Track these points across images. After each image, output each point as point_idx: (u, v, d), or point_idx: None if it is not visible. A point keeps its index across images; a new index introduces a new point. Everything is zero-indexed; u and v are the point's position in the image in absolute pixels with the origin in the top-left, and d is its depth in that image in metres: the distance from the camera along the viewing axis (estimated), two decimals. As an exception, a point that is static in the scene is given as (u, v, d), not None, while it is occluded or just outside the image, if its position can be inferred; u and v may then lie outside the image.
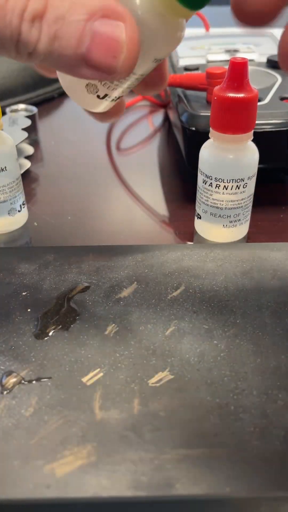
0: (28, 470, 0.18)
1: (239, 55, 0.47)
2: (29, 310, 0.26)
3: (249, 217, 0.33)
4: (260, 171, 0.32)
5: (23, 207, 0.36)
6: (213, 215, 0.32)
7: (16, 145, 0.34)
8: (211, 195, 0.31)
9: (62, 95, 0.62)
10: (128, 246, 0.31)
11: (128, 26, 0.18)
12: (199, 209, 0.33)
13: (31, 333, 0.24)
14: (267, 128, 0.35)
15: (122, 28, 0.18)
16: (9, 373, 0.22)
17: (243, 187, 0.30)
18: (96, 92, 0.22)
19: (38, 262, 0.29)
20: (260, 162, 0.31)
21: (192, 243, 0.35)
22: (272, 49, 0.49)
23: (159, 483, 0.18)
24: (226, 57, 0.47)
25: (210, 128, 0.30)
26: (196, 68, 0.44)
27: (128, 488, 0.18)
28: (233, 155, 0.30)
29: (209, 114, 0.30)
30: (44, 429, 0.20)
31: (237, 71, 0.27)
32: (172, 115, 0.44)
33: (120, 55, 0.18)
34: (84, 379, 0.22)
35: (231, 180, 0.30)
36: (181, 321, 0.25)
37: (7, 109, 0.52)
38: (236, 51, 0.48)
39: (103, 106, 0.24)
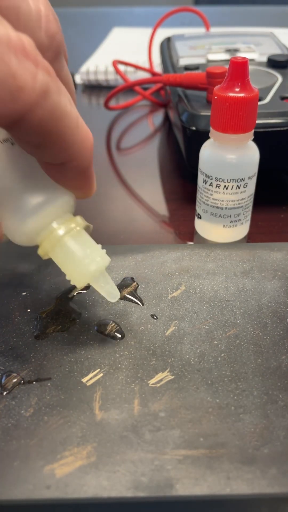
0: (28, 471, 0.18)
1: (240, 54, 0.47)
2: (28, 310, 0.26)
3: (249, 217, 0.33)
4: (260, 171, 0.32)
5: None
6: (214, 215, 0.32)
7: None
8: (211, 195, 0.31)
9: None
10: (128, 246, 0.31)
11: None
12: (199, 209, 0.33)
13: (30, 333, 0.24)
14: (268, 127, 0.35)
15: None
16: (9, 374, 0.22)
17: (244, 187, 0.30)
18: None
19: (38, 262, 0.29)
20: (261, 161, 0.31)
21: (192, 243, 0.35)
22: (272, 49, 0.49)
23: (159, 483, 0.18)
24: (227, 56, 0.47)
25: (211, 128, 0.30)
26: (196, 67, 0.44)
27: (128, 488, 0.18)
28: (233, 154, 0.30)
29: (209, 113, 0.30)
30: (44, 430, 0.20)
31: (238, 70, 0.27)
32: (172, 115, 0.44)
33: None
34: (84, 380, 0.22)
35: (232, 180, 0.30)
36: (181, 321, 0.25)
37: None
38: (236, 50, 0.48)
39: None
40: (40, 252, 0.22)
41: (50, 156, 0.18)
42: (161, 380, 0.22)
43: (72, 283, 0.22)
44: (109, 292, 0.23)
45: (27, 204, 0.21)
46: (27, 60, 0.15)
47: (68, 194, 0.22)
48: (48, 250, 0.22)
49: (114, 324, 0.25)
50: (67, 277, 0.22)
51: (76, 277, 0.22)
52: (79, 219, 0.22)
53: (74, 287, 0.27)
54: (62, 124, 0.17)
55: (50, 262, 0.29)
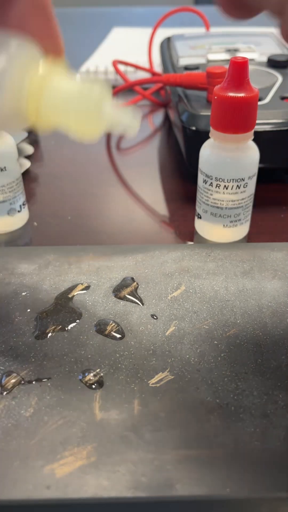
0: (28, 471, 0.18)
1: (240, 54, 0.47)
2: (28, 310, 0.26)
3: (249, 217, 0.33)
4: (260, 170, 0.32)
5: (23, 207, 0.36)
6: (214, 215, 0.32)
7: (16, 145, 0.34)
8: (211, 195, 0.31)
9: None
10: (128, 246, 0.31)
11: None
12: (199, 209, 0.33)
13: (30, 333, 0.24)
14: (268, 127, 0.35)
15: None
16: (9, 374, 0.22)
17: (244, 187, 0.30)
18: None
19: (38, 262, 0.29)
20: (261, 161, 0.31)
21: (192, 243, 0.35)
22: (272, 49, 0.49)
23: (159, 483, 0.18)
24: (227, 56, 0.47)
25: (211, 128, 0.30)
26: (196, 67, 0.44)
27: (128, 488, 0.18)
28: (233, 154, 0.30)
29: (210, 113, 0.30)
30: (44, 430, 0.20)
31: (238, 70, 0.27)
32: (172, 115, 0.44)
33: None
34: (84, 380, 0.22)
35: (232, 180, 0.30)
36: (181, 321, 0.25)
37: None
38: (236, 50, 0.48)
39: None
40: (30, 114, 0.18)
41: None
42: (161, 380, 0.22)
43: (81, 135, 0.17)
44: (128, 123, 0.18)
45: None
46: None
47: (29, 44, 0.18)
48: (37, 106, 0.17)
49: (114, 324, 0.25)
50: (73, 132, 0.17)
51: (83, 118, 0.17)
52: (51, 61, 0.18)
53: (74, 287, 0.27)
54: None
55: (50, 262, 0.29)
